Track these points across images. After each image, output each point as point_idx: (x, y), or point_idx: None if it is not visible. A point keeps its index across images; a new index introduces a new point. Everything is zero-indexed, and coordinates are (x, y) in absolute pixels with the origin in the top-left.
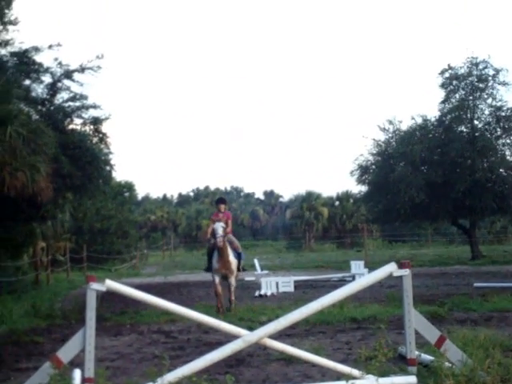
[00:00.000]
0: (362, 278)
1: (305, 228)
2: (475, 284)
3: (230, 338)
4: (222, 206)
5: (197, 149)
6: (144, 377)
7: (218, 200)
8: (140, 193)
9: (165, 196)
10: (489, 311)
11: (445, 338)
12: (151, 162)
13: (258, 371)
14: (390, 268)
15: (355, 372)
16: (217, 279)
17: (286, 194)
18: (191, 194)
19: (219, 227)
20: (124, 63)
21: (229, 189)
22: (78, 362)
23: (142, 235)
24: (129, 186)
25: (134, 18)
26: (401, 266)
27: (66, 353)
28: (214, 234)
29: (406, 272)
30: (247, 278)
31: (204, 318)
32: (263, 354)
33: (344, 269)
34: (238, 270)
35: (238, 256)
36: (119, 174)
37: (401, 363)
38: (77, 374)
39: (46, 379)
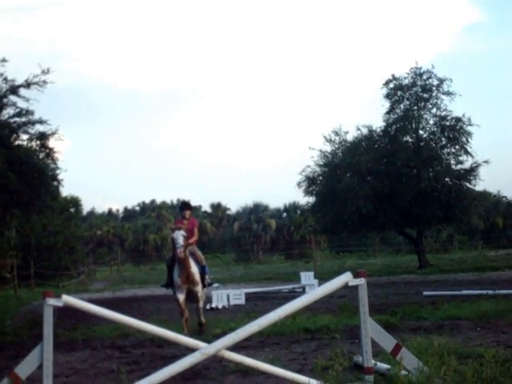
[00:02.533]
0: (319, 287)
1: (253, 240)
2: (424, 293)
3: (184, 351)
4: (188, 213)
5: (142, 162)
6: None
7: (182, 205)
8: (85, 208)
9: (110, 211)
10: (440, 319)
11: (401, 346)
12: (95, 176)
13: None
14: (346, 277)
15: (313, 382)
16: (180, 297)
17: (234, 206)
18: (137, 208)
19: (179, 236)
20: (70, 74)
21: (175, 202)
22: (34, 378)
23: (89, 250)
24: (75, 201)
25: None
26: (356, 275)
27: (23, 369)
28: (173, 244)
29: (361, 281)
30: None
31: (160, 331)
32: (219, 367)
33: (293, 280)
34: (204, 285)
35: (202, 269)
36: (65, 189)
37: (357, 372)
38: None
39: None
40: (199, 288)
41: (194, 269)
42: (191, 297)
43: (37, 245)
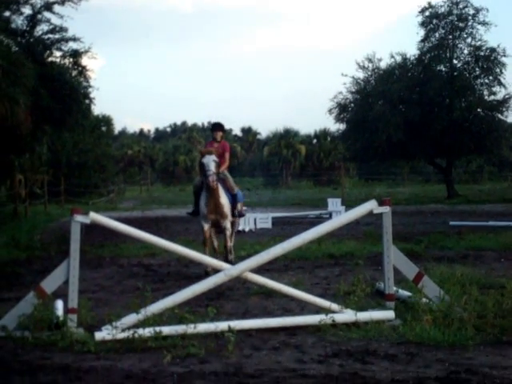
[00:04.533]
0: (344, 214)
1: (282, 165)
2: (451, 222)
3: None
4: (219, 134)
5: (174, 83)
6: (126, 308)
7: (213, 126)
8: (117, 127)
9: (142, 131)
10: (465, 249)
11: (423, 274)
12: (128, 96)
13: (238, 304)
14: (370, 205)
15: (334, 306)
16: (206, 226)
17: (264, 130)
18: (168, 129)
19: (210, 162)
20: None
21: (206, 125)
22: (60, 293)
23: (119, 170)
24: (106, 120)
25: None
26: (381, 203)
27: (49, 284)
28: (203, 170)
29: (386, 209)
30: None
31: (185, 251)
32: (243, 288)
33: (321, 206)
34: (234, 215)
35: (233, 198)
36: (97, 108)
37: (379, 299)
38: (60, 304)
39: (30, 309)
40: (227, 222)
41: (224, 199)
42: (219, 229)
43: (68, 162)
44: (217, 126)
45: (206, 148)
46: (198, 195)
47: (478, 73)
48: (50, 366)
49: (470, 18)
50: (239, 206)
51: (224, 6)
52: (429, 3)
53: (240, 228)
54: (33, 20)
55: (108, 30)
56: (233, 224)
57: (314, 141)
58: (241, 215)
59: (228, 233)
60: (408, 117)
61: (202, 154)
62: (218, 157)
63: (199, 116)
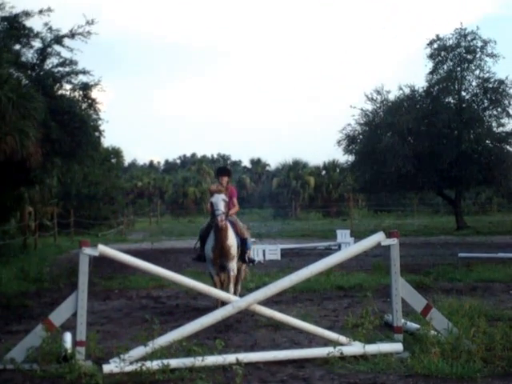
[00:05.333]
0: (352, 246)
1: (291, 197)
2: (460, 254)
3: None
4: (225, 179)
5: (184, 116)
6: (134, 341)
7: (219, 170)
8: (127, 159)
9: (151, 163)
10: (473, 281)
11: (431, 306)
12: (138, 128)
13: (247, 337)
14: (379, 237)
15: (342, 338)
16: (214, 272)
17: (273, 162)
18: (178, 161)
19: (219, 201)
20: (113, 26)
21: (215, 156)
22: (68, 325)
23: (129, 201)
24: (116, 152)
25: None
26: (389, 235)
27: (57, 316)
28: (211, 209)
29: (393, 241)
30: None
31: (194, 284)
32: (251, 320)
33: (330, 237)
34: (244, 261)
35: (242, 243)
36: (106, 140)
37: (387, 331)
38: (68, 337)
39: (39, 342)
40: (233, 264)
41: (232, 241)
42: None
43: (77, 194)
44: (223, 171)
45: (216, 186)
46: (204, 239)
47: (486, 104)
48: None
49: (478, 50)
50: (249, 252)
51: (234, 39)
52: (437, 36)
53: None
54: (43, 53)
55: (118, 62)
56: (239, 271)
57: (323, 172)
58: (251, 261)
59: (232, 274)
60: (417, 148)
61: (210, 193)
62: (226, 194)
63: (209, 148)
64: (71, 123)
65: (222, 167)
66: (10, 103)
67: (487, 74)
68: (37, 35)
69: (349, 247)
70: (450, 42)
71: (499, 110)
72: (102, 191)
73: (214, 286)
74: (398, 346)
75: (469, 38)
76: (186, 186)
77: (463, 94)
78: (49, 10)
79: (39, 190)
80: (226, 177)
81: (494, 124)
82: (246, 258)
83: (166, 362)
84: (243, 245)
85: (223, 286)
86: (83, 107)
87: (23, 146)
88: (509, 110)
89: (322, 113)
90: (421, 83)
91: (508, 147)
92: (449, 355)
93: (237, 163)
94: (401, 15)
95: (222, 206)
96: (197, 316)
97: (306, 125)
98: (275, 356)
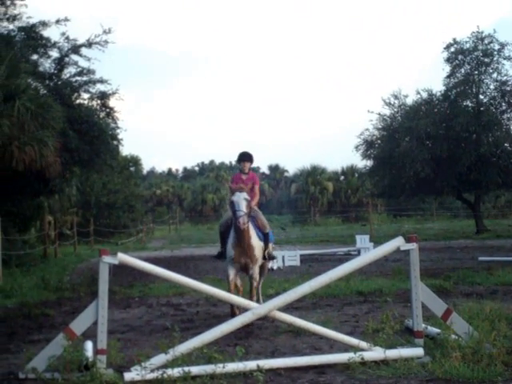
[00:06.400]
0: (370, 251)
1: (310, 202)
2: (480, 258)
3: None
4: (247, 165)
5: (202, 123)
6: (155, 348)
7: (241, 156)
8: (145, 167)
9: (170, 170)
10: (494, 285)
11: (451, 310)
12: (156, 136)
13: (267, 343)
14: (398, 242)
15: (363, 344)
16: (232, 273)
17: (291, 168)
18: (196, 168)
19: (241, 200)
20: (130, 35)
21: (234, 163)
22: (89, 334)
23: (148, 209)
24: (135, 161)
25: None
26: (408, 240)
27: (78, 325)
28: (232, 209)
29: (413, 246)
30: None
31: (214, 291)
32: (271, 327)
33: (349, 243)
34: (264, 257)
35: (264, 238)
36: (125, 148)
37: (407, 336)
38: (89, 345)
39: (60, 350)
40: (256, 268)
41: (255, 241)
42: (247, 272)
43: (96, 203)
44: (245, 157)
45: (237, 184)
46: (224, 236)
47: (504, 107)
48: None
49: (495, 53)
50: (270, 247)
51: (247, 47)
52: (454, 39)
53: (269, 266)
54: (60, 63)
55: (137, 71)
56: (262, 268)
57: (342, 177)
58: (271, 258)
59: (255, 283)
60: (435, 152)
61: (231, 191)
62: (248, 191)
63: (227, 154)
64: (89, 132)
65: (245, 152)
66: (29, 113)
67: (505, 77)
68: (54, 45)
69: (368, 252)
70: (467, 45)
71: None
72: (121, 199)
73: (228, 286)
74: (418, 351)
75: (486, 42)
76: (204, 193)
77: (481, 97)
78: (66, 19)
79: (59, 199)
80: (249, 163)
81: None
82: (266, 255)
83: (186, 369)
84: (265, 239)
85: (238, 293)
86: (101, 116)
87: (42, 156)
88: None
89: (340, 118)
90: (438, 87)
91: None
92: (470, 359)
93: (255, 169)
94: (418, 19)
95: (243, 207)
96: (217, 323)
97: (324, 130)
98: (296, 362)
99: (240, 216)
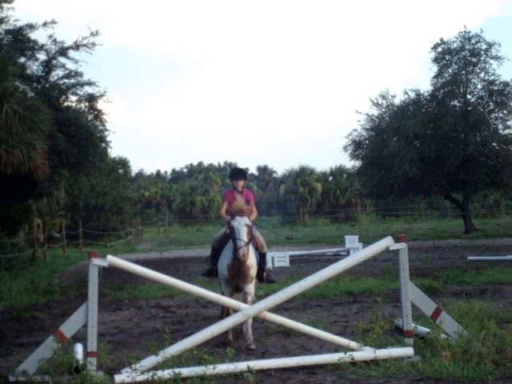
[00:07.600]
0: (360, 251)
1: (299, 203)
2: (469, 257)
3: None
4: (241, 183)
5: (190, 124)
6: (145, 350)
7: (234, 173)
8: (134, 169)
9: (158, 172)
10: (483, 284)
11: (441, 310)
12: (144, 137)
13: (257, 344)
14: (387, 242)
15: (353, 344)
16: (227, 295)
17: (280, 169)
18: (185, 170)
19: (242, 227)
20: (117, 37)
21: (222, 165)
22: (79, 336)
23: (137, 211)
24: (123, 163)
25: None
26: (397, 239)
27: (68, 327)
28: (232, 235)
29: (402, 246)
30: None
31: (204, 292)
32: (262, 328)
33: (338, 243)
34: (261, 279)
35: (261, 258)
36: (113, 150)
37: (397, 335)
38: (79, 348)
39: (50, 353)
40: (251, 286)
41: (252, 260)
42: (240, 289)
43: (85, 205)
44: (238, 174)
45: (237, 205)
46: (217, 252)
47: (491, 107)
48: None
49: (482, 52)
50: (267, 268)
51: (235, 50)
52: (441, 39)
53: None
54: (48, 65)
55: (124, 73)
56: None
57: (330, 178)
58: (270, 281)
59: (250, 298)
60: (423, 152)
61: (231, 214)
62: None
63: (215, 156)
64: (78, 135)
65: (237, 169)
66: (17, 116)
67: (492, 77)
68: (41, 47)
69: (357, 253)
70: (455, 45)
71: (505, 112)
72: (109, 202)
73: (221, 312)
74: (408, 350)
75: (473, 41)
76: (193, 194)
77: (468, 96)
78: (53, 22)
79: (47, 202)
80: (242, 180)
81: (500, 126)
82: (264, 276)
83: (177, 370)
84: (262, 259)
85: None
86: (89, 118)
87: (30, 159)
88: None
89: (328, 119)
90: (426, 87)
91: None
92: (459, 358)
93: (248, 183)
94: (405, 19)
95: (244, 235)
96: (207, 324)
97: (313, 131)
98: (286, 363)
99: (241, 247)
